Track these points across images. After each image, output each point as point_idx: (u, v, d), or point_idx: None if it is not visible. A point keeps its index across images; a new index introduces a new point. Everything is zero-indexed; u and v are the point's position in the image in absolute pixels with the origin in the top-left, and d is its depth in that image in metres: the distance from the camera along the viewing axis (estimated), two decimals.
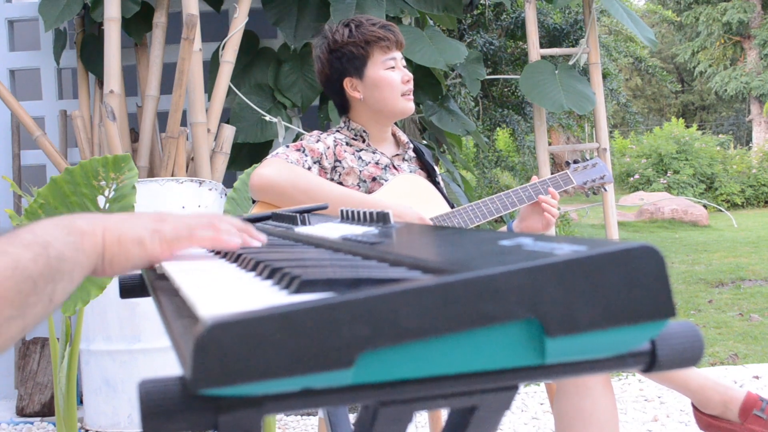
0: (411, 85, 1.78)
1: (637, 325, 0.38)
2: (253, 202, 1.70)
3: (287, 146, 1.71)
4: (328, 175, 1.72)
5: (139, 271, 0.88)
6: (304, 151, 1.69)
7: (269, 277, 0.50)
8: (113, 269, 0.65)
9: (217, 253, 0.76)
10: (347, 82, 1.76)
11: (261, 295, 0.45)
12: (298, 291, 0.42)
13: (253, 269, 0.56)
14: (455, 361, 0.37)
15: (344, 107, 1.82)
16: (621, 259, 0.37)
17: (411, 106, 1.78)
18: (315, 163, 1.69)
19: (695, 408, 1.67)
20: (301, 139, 1.75)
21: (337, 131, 1.82)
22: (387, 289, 0.36)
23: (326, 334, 0.35)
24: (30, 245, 0.53)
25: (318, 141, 1.73)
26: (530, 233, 0.56)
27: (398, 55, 1.77)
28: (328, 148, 1.73)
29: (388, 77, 1.74)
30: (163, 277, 0.66)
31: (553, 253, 0.38)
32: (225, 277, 0.56)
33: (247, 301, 0.42)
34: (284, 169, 1.61)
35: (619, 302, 0.37)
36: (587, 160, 1.88)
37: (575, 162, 1.87)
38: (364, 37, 1.73)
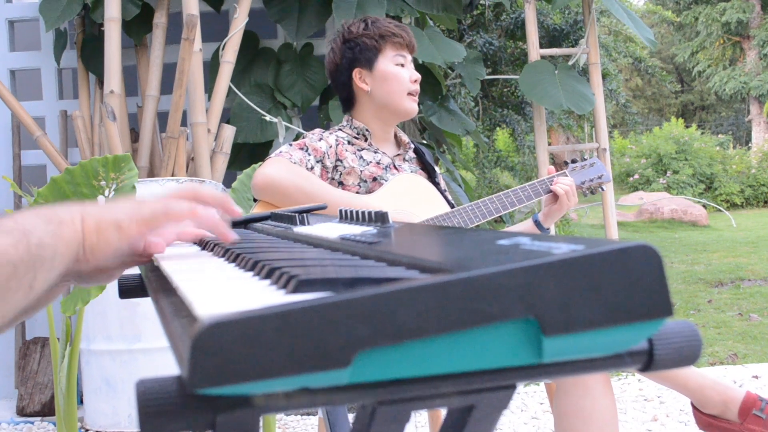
0: (418, 87, 1.80)
1: (634, 324, 0.38)
2: (255, 200, 1.71)
3: (290, 144, 1.72)
4: (330, 175, 1.73)
5: (138, 271, 0.88)
6: (307, 150, 1.70)
7: (267, 276, 0.51)
8: (95, 256, 0.65)
9: (216, 252, 0.76)
10: (356, 73, 1.78)
11: (259, 295, 0.45)
12: (295, 290, 0.42)
13: (251, 269, 0.56)
14: (453, 361, 0.37)
15: (349, 101, 1.84)
16: (618, 259, 0.37)
17: (415, 107, 1.81)
18: (318, 162, 1.70)
19: (694, 408, 1.67)
20: (304, 138, 1.76)
21: (339, 130, 1.83)
22: (385, 288, 0.36)
23: (324, 333, 0.35)
24: (11, 232, 0.53)
25: (320, 139, 1.74)
26: (530, 233, 0.56)
27: (408, 56, 1.81)
28: (330, 146, 1.74)
29: (398, 72, 1.77)
30: (162, 277, 0.66)
31: (550, 253, 0.38)
32: (223, 276, 0.56)
33: (245, 301, 0.42)
34: (288, 170, 1.62)
35: (616, 301, 0.37)
36: (586, 159, 1.88)
37: (573, 162, 1.88)
38: (379, 31, 1.78)
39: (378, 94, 1.78)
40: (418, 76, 1.81)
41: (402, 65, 1.78)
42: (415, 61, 3.07)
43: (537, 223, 1.79)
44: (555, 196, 1.76)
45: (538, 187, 1.77)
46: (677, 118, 17.38)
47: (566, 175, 1.82)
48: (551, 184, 1.76)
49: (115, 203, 0.69)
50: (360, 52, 1.78)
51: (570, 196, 1.75)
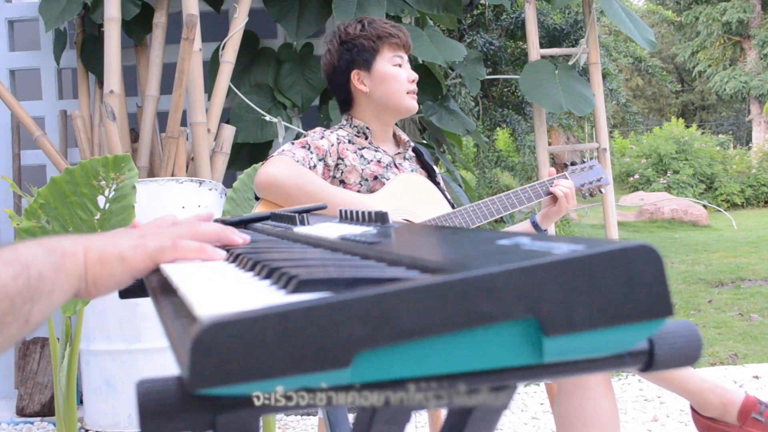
0: (415, 86, 1.81)
1: (634, 324, 0.38)
2: (257, 199, 1.71)
3: (292, 143, 1.72)
4: (331, 173, 1.73)
5: None
6: (309, 149, 1.70)
7: (267, 276, 0.50)
8: (98, 289, 0.64)
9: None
10: (354, 75, 1.78)
11: (259, 295, 0.45)
12: (295, 291, 0.42)
13: (251, 269, 0.56)
14: (453, 361, 0.37)
15: (347, 103, 1.84)
16: (619, 259, 0.37)
17: (415, 105, 1.81)
18: (320, 160, 1.70)
19: (694, 410, 1.67)
20: (305, 136, 1.76)
21: (340, 128, 1.83)
22: (385, 288, 0.36)
23: (324, 333, 0.35)
24: (11, 263, 0.52)
25: (322, 138, 1.74)
26: (530, 233, 0.56)
27: (405, 56, 1.82)
28: (332, 145, 1.74)
29: (395, 72, 1.77)
30: (162, 277, 0.66)
31: (551, 253, 0.38)
32: (223, 276, 0.56)
33: (245, 301, 0.42)
34: (291, 169, 1.62)
35: (616, 301, 0.37)
36: (585, 162, 1.88)
37: (573, 164, 1.88)
38: (376, 32, 1.78)
39: (377, 95, 1.78)
40: (415, 75, 1.81)
41: (399, 65, 1.79)
42: (415, 60, 3.08)
43: (534, 225, 1.79)
44: (554, 198, 1.76)
45: (539, 188, 1.77)
46: (677, 118, 17.39)
47: (566, 178, 1.83)
48: (551, 186, 1.76)
49: (120, 234, 0.68)
50: (358, 54, 1.78)
51: (569, 198, 1.75)
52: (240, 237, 0.73)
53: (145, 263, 0.66)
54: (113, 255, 0.64)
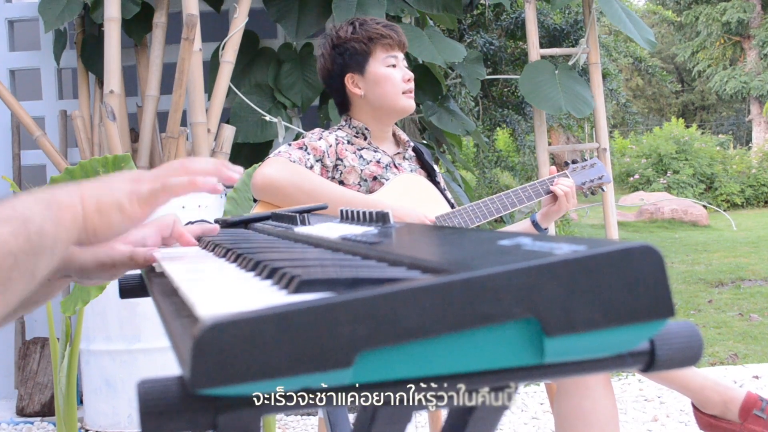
0: (412, 85, 1.79)
1: (636, 324, 0.38)
2: (255, 201, 1.70)
3: (289, 144, 1.72)
4: (330, 174, 1.73)
5: (138, 271, 0.88)
6: (306, 150, 1.69)
7: (268, 276, 0.51)
8: (98, 237, 0.64)
9: (217, 253, 0.75)
10: (348, 78, 1.77)
11: (260, 295, 0.45)
12: (297, 291, 0.42)
13: (253, 269, 0.56)
14: (454, 361, 0.37)
15: (344, 105, 1.83)
16: (620, 259, 0.37)
17: (412, 104, 1.79)
18: (317, 161, 1.70)
19: (695, 408, 1.67)
20: (303, 137, 1.75)
21: (339, 129, 1.82)
22: (386, 288, 0.36)
23: (325, 333, 0.35)
24: (9, 220, 0.52)
25: (320, 139, 1.73)
26: (531, 234, 0.56)
27: (400, 55, 1.79)
28: (330, 146, 1.73)
29: (389, 74, 1.76)
30: (163, 277, 0.66)
31: (552, 253, 0.38)
32: (224, 276, 0.56)
33: (246, 301, 0.42)
34: (287, 169, 1.62)
35: (618, 302, 0.37)
36: (586, 160, 1.88)
37: (574, 162, 1.88)
38: (367, 33, 1.76)
39: (372, 97, 1.77)
40: (410, 74, 1.79)
41: (394, 65, 1.77)
42: (414, 60, 3.08)
43: (535, 224, 1.78)
44: (554, 197, 1.75)
45: (539, 187, 1.77)
46: (677, 118, 17.38)
47: (567, 176, 1.82)
48: (551, 185, 1.76)
49: (112, 180, 0.68)
50: (350, 57, 1.76)
51: (569, 197, 1.74)
52: (234, 173, 0.73)
53: (142, 209, 0.66)
54: (111, 204, 0.64)
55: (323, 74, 1.83)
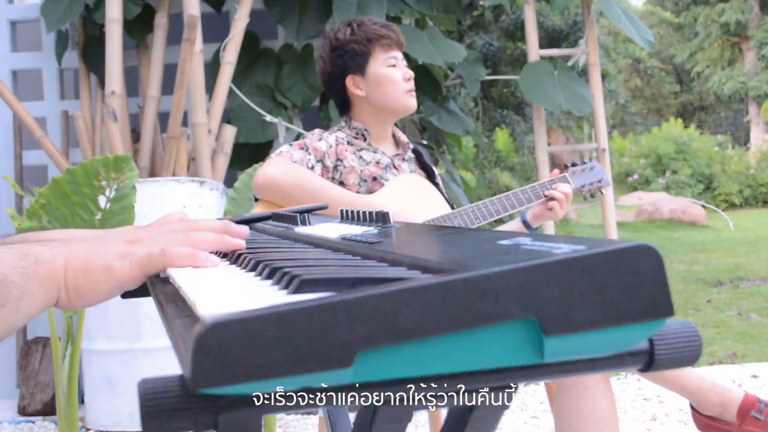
0: (412, 84, 1.79)
1: (635, 324, 0.38)
2: (256, 200, 1.71)
3: (290, 145, 1.72)
4: (330, 174, 1.73)
5: None
6: (307, 150, 1.70)
7: (269, 276, 0.51)
8: (82, 299, 0.61)
9: (218, 253, 0.76)
10: (349, 80, 1.77)
11: (261, 295, 0.45)
12: (297, 290, 0.42)
13: (253, 269, 0.56)
14: (454, 361, 0.37)
15: (345, 106, 1.83)
16: (619, 259, 0.37)
17: (414, 103, 1.79)
18: (318, 162, 1.70)
19: (693, 409, 1.67)
20: (304, 138, 1.76)
21: (339, 130, 1.82)
22: (386, 288, 0.36)
23: (326, 333, 0.35)
24: None
25: (320, 139, 1.74)
26: (523, 232, 0.56)
27: (399, 54, 1.80)
28: (331, 146, 1.74)
29: (390, 74, 1.76)
30: (164, 277, 0.66)
31: (551, 253, 0.38)
32: (225, 276, 0.57)
33: (247, 301, 0.42)
34: (288, 168, 1.62)
35: (617, 301, 0.37)
36: (585, 163, 1.88)
37: (573, 165, 1.88)
38: (366, 34, 1.75)
39: (374, 97, 1.77)
40: (411, 73, 1.79)
41: (394, 65, 1.77)
42: (414, 61, 3.08)
43: (525, 223, 1.78)
44: (549, 200, 1.75)
45: (539, 189, 1.77)
46: (676, 119, 17.38)
47: (567, 181, 1.81)
48: (550, 189, 1.75)
49: (107, 240, 0.64)
50: (350, 59, 1.76)
51: (563, 204, 1.74)
52: (239, 240, 0.68)
53: (133, 273, 0.62)
54: (99, 264, 0.60)
55: (323, 77, 1.83)
